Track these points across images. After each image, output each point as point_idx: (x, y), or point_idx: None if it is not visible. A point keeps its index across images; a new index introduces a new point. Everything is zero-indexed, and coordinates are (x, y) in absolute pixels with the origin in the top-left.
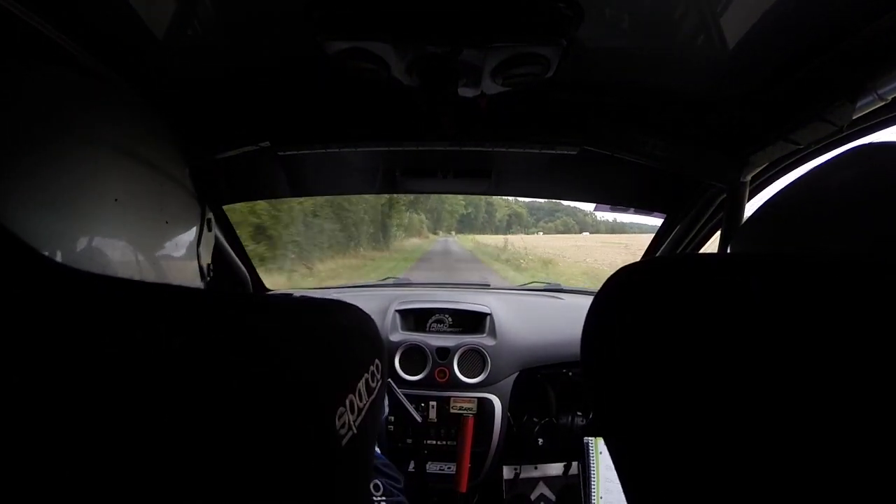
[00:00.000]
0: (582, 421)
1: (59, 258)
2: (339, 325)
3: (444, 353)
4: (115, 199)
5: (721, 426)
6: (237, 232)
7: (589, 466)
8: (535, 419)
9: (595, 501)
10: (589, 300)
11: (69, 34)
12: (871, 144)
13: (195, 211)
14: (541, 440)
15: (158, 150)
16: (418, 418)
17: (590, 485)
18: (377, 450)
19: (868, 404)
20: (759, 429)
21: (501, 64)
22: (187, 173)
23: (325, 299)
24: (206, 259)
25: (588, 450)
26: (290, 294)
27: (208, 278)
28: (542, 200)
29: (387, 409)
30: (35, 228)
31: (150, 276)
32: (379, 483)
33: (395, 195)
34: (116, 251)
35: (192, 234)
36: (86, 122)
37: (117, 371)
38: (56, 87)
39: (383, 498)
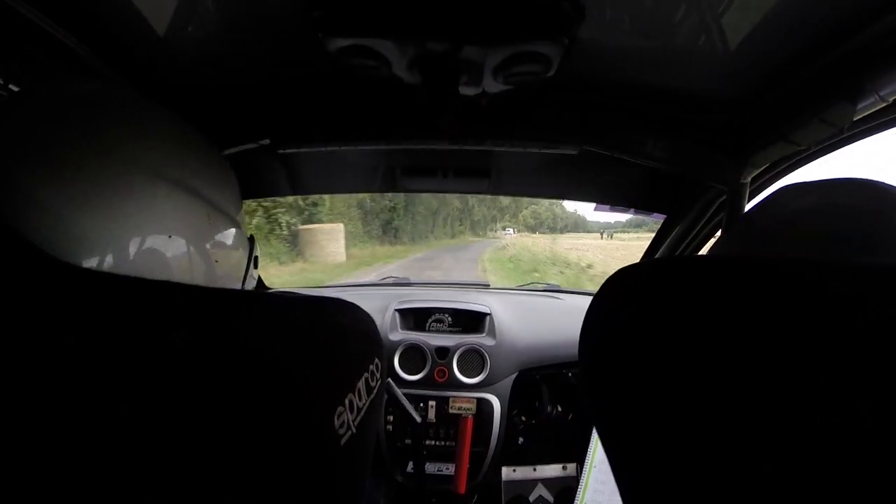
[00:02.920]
0: (581, 421)
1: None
2: (338, 323)
3: (444, 353)
4: (169, 236)
5: (717, 425)
6: None
7: (586, 457)
8: (534, 420)
9: (582, 489)
10: (588, 301)
11: (66, 29)
12: (843, 179)
13: (245, 249)
14: (540, 441)
15: (216, 187)
16: (417, 418)
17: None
18: None
19: (863, 400)
20: (754, 428)
21: (503, 62)
22: (242, 210)
23: (325, 298)
24: None
25: (590, 441)
26: (290, 293)
27: None
28: None
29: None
30: (86, 254)
31: None
32: None
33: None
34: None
35: (239, 273)
36: (148, 153)
37: (118, 369)
38: (123, 116)
39: None
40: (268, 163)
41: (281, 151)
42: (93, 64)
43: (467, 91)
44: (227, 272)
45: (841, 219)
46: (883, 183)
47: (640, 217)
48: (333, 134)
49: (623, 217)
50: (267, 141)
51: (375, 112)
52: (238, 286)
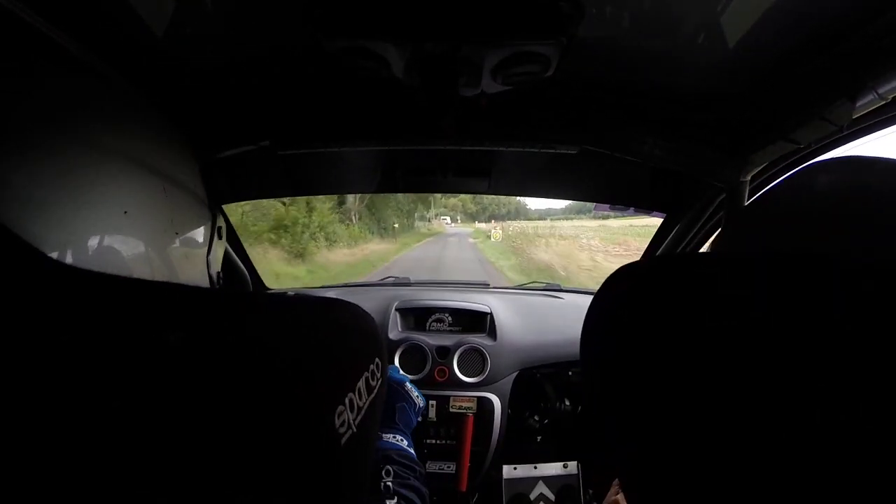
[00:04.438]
0: (580, 420)
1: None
2: (338, 322)
3: (444, 352)
4: (125, 212)
5: (718, 422)
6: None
7: None
8: (534, 419)
9: None
10: (588, 300)
11: (71, 34)
12: (858, 157)
13: (206, 220)
14: (540, 439)
15: (170, 159)
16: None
17: None
18: (403, 444)
19: (862, 397)
20: (754, 425)
21: (501, 62)
22: (199, 181)
23: (325, 297)
24: (216, 268)
25: None
26: (290, 293)
27: (218, 286)
28: None
29: (421, 403)
30: (43, 235)
31: None
32: (390, 469)
33: None
34: (124, 263)
35: (202, 244)
36: (97, 130)
37: (114, 368)
38: (69, 92)
39: (390, 481)
40: (268, 164)
41: (281, 153)
42: (93, 65)
43: (466, 92)
44: (191, 247)
45: (869, 200)
46: None
47: (581, 203)
48: (333, 135)
49: (562, 203)
50: (267, 142)
51: (375, 113)
52: (204, 259)
